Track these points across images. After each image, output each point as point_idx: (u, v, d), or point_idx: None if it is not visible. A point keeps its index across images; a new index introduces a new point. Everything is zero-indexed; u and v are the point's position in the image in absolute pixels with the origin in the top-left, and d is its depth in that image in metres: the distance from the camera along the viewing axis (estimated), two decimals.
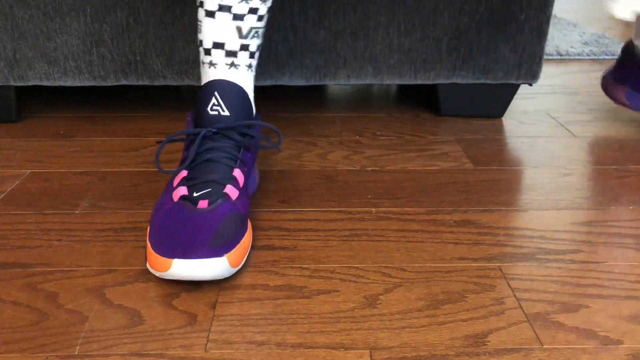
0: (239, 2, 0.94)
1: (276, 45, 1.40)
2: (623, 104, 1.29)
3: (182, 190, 0.89)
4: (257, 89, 1.74)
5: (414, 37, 1.42)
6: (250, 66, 1.00)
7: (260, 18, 0.98)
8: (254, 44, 1.00)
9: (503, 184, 1.17)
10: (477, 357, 0.72)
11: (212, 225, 0.83)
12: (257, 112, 1.15)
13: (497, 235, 0.98)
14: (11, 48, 1.32)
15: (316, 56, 1.42)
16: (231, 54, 0.97)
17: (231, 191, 0.90)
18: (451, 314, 0.80)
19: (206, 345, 0.75)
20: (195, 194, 0.88)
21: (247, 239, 0.89)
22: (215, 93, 0.94)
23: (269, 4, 0.96)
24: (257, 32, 0.99)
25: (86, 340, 0.76)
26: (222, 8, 0.94)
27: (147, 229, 0.98)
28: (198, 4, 0.97)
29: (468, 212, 1.07)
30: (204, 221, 0.84)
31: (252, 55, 1.00)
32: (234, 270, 0.84)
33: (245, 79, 0.99)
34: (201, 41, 0.98)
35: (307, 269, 0.90)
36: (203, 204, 0.87)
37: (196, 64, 1.40)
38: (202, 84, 0.99)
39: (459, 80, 1.45)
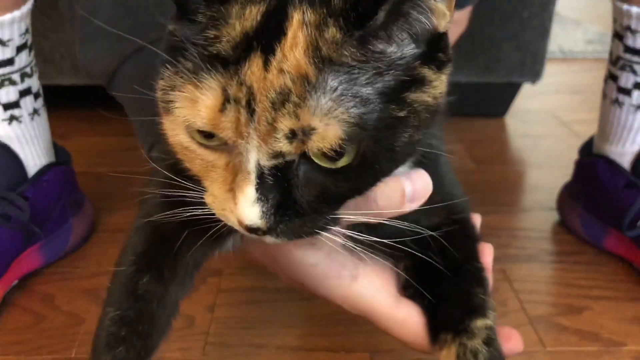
0: None
1: None
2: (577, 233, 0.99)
3: None
4: None
5: None
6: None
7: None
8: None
9: (506, 184, 1.16)
10: None
11: None
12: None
13: (500, 237, 0.97)
14: None
15: None
16: None
17: None
18: None
19: (204, 347, 0.74)
20: None
21: None
22: None
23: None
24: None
25: (83, 342, 0.75)
26: None
27: None
28: None
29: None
30: None
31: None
32: None
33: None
34: None
35: None
36: None
37: None
38: None
39: (461, 79, 1.44)
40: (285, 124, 0.40)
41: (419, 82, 0.43)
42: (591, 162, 0.98)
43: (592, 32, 2.19)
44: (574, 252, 0.94)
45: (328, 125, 0.40)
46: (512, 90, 1.48)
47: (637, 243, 0.87)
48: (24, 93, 0.87)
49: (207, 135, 0.43)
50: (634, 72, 0.90)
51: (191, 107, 0.42)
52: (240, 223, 0.44)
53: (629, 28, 0.88)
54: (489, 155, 1.29)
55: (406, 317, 0.57)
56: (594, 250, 0.94)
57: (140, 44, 0.66)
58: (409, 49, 0.43)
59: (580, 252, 0.94)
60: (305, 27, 0.40)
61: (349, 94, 0.40)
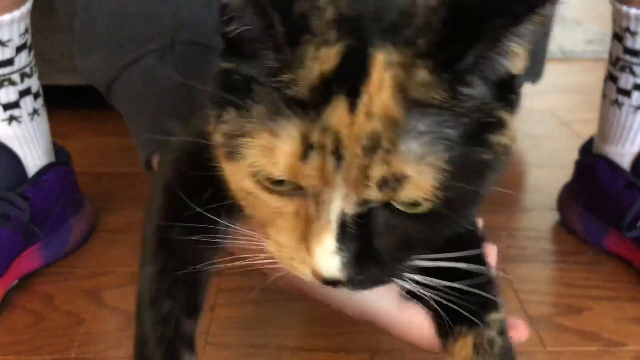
0: None
1: None
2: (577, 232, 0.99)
3: None
4: None
5: None
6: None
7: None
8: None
9: (506, 184, 1.15)
10: None
11: None
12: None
13: (500, 237, 0.97)
14: None
15: None
16: None
17: None
18: None
19: (204, 348, 0.74)
20: None
21: None
22: None
23: None
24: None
25: (83, 343, 0.75)
26: None
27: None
28: None
29: None
30: None
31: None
32: None
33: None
34: None
35: None
36: None
37: None
38: None
39: None
40: (377, 171, 0.38)
41: (499, 125, 0.42)
42: (591, 162, 0.98)
43: (593, 32, 2.18)
44: (574, 252, 0.94)
45: (422, 172, 0.38)
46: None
47: (637, 243, 0.87)
48: (24, 93, 0.87)
49: (277, 181, 0.41)
50: (633, 73, 0.90)
51: (267, 156, 0.39)
52: (316, 275, 0.42)
53: (628, 29, 0.88)
54: None
55: (411, 319, 0.56)
56: (594, 250, 0.94)
57: (137, 55, 0.66)
58: (490, 91, 0.41)
59: (581, 252, 0.94)
60: (391, 68, 0.38)
61: (439, 138, 0.39)
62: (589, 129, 1.04)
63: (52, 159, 0.94)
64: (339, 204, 0.40)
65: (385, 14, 0.40)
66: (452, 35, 0.38)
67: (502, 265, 0.88)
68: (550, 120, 1.46)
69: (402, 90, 0.38)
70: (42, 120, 0.91)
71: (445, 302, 0.51)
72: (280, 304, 0.81)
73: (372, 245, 0.42)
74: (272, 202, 0.42)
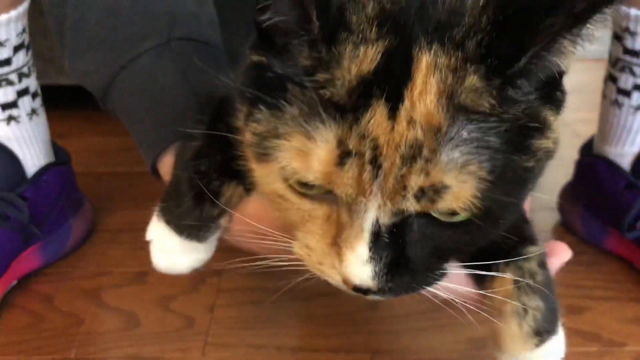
0: None
1: None
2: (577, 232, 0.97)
3: None
4: None
5: None
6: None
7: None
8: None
9: None
10: None
11: None
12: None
13: None
14: None
15: None
16: None
17: None
18: (453, 317, 0.78)
19: (204, 348, 0.74)
20: None
21: None
22: None
23: None
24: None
25: (82, 343, 0.75)
26: None
27: (144, 230, 0.97)
28: None
29: None
30: None
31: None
32: None
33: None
34: None
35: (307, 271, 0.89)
36: None
37: None
38: None
39: None
40: (415, 181, 0.36)
41: (543, 128, 0.41)
42: (591, 162, 0.98)
43: None
44: (574, 253, 0.93)
45: (462, 182, 0.37)
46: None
47: (637, 244, 0.87)
48: (22, 93, 0.87)
49: (309, 185, 0.40)
50: (633, 73, 0.90)
51: (301, 160, 0.38)
52: (347, 282, 0.41)
53: (627, 30, 0.88)
54: None
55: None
56: (595, 251, 0.93)
57: (134, 54, 0.63)
58: (537, 92, 0.40)
59: (581, 252, 0.94)
60: (437, 71, 0.36)
61: (482, 146, 0.37)
62: (589, 129, 1.03)
63: (52, 159, 0.93)
64: (373, 213, 0.39)
65: (431, 11, 0.38)
66: (504, 36, 0.36)
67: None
68: None
69: (448, 96, 0.36)
70: (41, 120, 0.91)
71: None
72: (280, 304, 0.81)
73: (405, 254, 0.40)
74: (303, 205, 0.42)
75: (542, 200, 1.08)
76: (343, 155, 0.37)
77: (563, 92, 0.43)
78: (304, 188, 0.41)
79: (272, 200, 0.44)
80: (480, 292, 0.54)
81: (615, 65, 0.92)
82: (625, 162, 0.92)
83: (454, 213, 0.39)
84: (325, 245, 0.42)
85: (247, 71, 0.43)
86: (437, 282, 0.44)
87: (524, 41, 0.36)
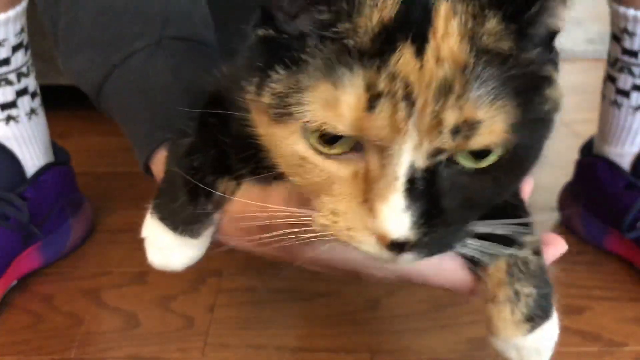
0: None
1: None
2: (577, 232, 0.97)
3: None
4: None
5: None
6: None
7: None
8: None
9: None
10: None
11: None
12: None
13: None
14: None
15: None
16: None
17: None
18: (453, 317, 0.79)
19: (204, 348, 0.74)
20: None
21: None
22: None
23: None
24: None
25: (82, 343, 0.75)
26: None
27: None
28: None
29: None
30: None
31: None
32: None
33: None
34: None
35: (307, 271, 0.88)
36: None
37: None
38: None
39: None
40: (450, 116, 0.37)
41: (550, 81, 0.43)
42: (591, 162, 0.98)
43: (593, 32, 2.18)
44: (574, 253, 0.94)
45: (494, 117, 0.38)
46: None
47: (637, 244, 0.87)
48: (21, 93, 0.87)
49: (331, 141, 0.39)
50: (632, 74, 0.90)
51: (329, 109, 0.38)
52: (383, 238, 0.39)
53: (626, 30, 0.88)
54: None
55: (440, 261, 0.55)
56: (595, 251, 0.93)
57: (127, 52, 0.64)
58: (542, 47, 0.42)
59: (581, 252, 0.94)
60: (456, 16, 0.38)
61: (506, 85, 0.38)
62: (589, 129, 1.03)
63: (51, 159, 0.93)
64: (409, 155, 0.38)
65: None
66: None
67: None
68: None
69: (470, 37, 0.38)
70: (40, 120, 0.91)
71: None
72: (280, 304, 0.81)
73: (438, 205, 0.40)
74: (326, 166, 0.41)
75: (542, 200, 1.08)
76: (373, 99, 0.37)
77: (557, 52, 0.45)
78: (327, 146, 0.40)
79: (290, 167, 0.42)
80: (475, 276, 0.54)
81: (614, 66, 0.92)
82: (625, 162, 0.92)
83: (484, 154, 0.39)
84: (355, 205, 0.40)
85: (254, 47, 0.43)
86: (466, 239, 0.43)
87: None
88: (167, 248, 0.58)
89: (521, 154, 0.41)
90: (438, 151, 0.38)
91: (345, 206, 0.41)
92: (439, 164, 0.39)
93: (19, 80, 0.86)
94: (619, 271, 0.89)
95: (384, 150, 0.38)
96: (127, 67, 0.64)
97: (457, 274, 0.55)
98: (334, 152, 0.40)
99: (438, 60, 0.37)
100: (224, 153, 0.53)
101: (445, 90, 0.37)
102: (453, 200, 0.40)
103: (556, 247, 0.58)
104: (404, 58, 0.37)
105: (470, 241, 0.44)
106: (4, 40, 0.83)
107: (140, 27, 0.65)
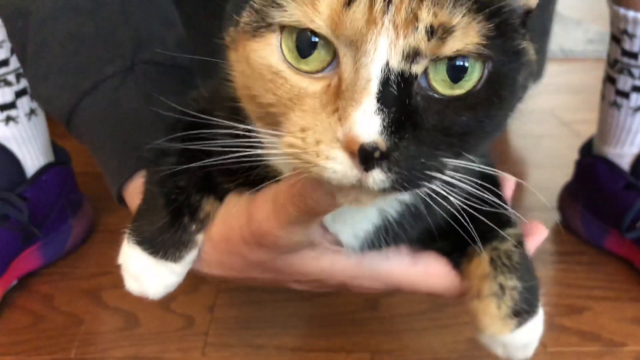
0: None
1: None
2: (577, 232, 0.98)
3: None
4: None
5: None
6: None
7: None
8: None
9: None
10: None
11: None
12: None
13: None
14: None
15: None
16: None
17: None
18: (453, 317, 0.79)
19: (204, 348, 0.74)
20: None
21: None
22: None
23: None
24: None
25: (82, 343, 0.75)
26: None
27: None
28: None
29: None
30: None
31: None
32: None
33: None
34: None
35: None
36: None
37: None
38: None
39: None
40: (426, 15, 0.37)
41: (524, 35, 0.43)
42: (591, 163, 0.98)
43: (593, 32, 2.18)
44: (574, 253, 0.94)
45: (468, 25, 0.38)
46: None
47: (637, 244, 0.87)
48: (20, 93, 0.87)
49: (305, 54, 0.39)
50: (631, 75, 0.90)
51: (307, 5, 0.38)
52: (351, 144, 0.37)
53: (625, 32, 0.88)
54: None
55: (427, 268, 0.55)
56: (595, 251, 0.93)
57: (97, 79, 0.62)
58: (517, 19, 0.43)
59: (581, 252, 0.94)
60: None
61: (481, 5, 0.39)
62: (589, 129, 1.04)
63: (51, 159, 0.93)
64: (384, 53, 0.38)
65: None
66: None
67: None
68: (550, 120, 1.45)
69: None
70: (40, 120, 0.91)
71: (461, 220, 0.49)
72: (280, 304, 0.81)
73: (412, 118, 0.39)
74: (298, 82, 0.40)
75: (542, 201, 1.08)
76: None
77: (528, 31, 0.45)
78: (302, 62, 0.40)
79: (265, 80, 0.41)
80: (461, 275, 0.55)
81: (614, 67, 0.92)
82: (625, 162, 0.92)
83: (456, 78, 0.39)
84: (324, 116, 0.39)
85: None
86: (440, 175, 0.41)
87: None
88: (144, 275, 0.56)
89: (496, 85, 0.41)
90: (414, 52, 0.38)
91: (315, 119, 0.39)
92: (414, 79, 0.39)
93: (18, 81, 0.87)
94: (619, 271, 0.89)
95: (357, 54, 0.38)
96: (97, 94, 0.62)
97: (446, 278, 0.56)
98: (307, 69, 0.40)
99: None
100: (209, 173, 0.52)
101: None
102: (427, 121, 0.39)
103: (538, 235, 0.58)
104: None
105: (442, 175, 0.41)
106: (3, 41, 0.83)
107: (111, 53, 0.63)
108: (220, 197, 0.54)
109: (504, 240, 0.54)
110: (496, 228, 0.52)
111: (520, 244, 0.55)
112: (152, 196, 0.56)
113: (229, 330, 0.76)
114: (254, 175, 0.49)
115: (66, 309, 0.80)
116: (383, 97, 0.38)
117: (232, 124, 0.46)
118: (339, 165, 0.38)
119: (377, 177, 0.38)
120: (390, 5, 0.37)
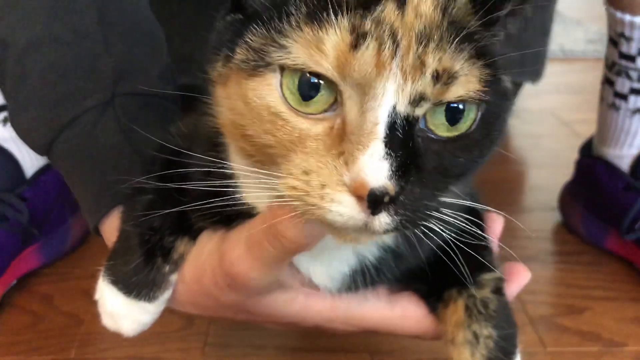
0: None
1: None
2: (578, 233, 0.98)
3: None
4: None
5: None
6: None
7: None
8: None
9: (506, 184, 1.15)
10: None
11: None
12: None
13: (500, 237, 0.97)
14: None
15: None
16: None
17: None
18: None
19: (204, 348, 0.74)
20: None
21: None
22: None
23: None
24: None
25: (82, 343, 0.75)
26: None
27: None
28: None
29: None
30: None
31: None
32: None
33: None
34: None
35: None
36: None
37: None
38: None
39: None
40: (432, 59, 0.38)
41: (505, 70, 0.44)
42: (590, 163, 0.98)
43: (593, 32, 2.18)
44: (574, 253, 0.94)
45: (469, 71, 0.39)
46: (512, 90, 1.47)
47: (637, 244, 0.87)
48: None
49: (308, 96, 0.39)
50: (629, 77, 0.90)
51: (312, 48, 0.38)
52: (360, 188, 0.37)
53: (622, 35, 0.88)
54: None
55: (404, 312, 0.55)
56: (595, 251, 0.93)
57: (76, 112, 0.61)
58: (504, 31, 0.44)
59: (581, 252, 0.94)
60: None
61: (477, 52, 0.40)
62: (589, 129, 1.04)
63: None
64: (392, 97, 0.38)
65: None
66: None
67: (502, 265, 0.88)
68: (550, 120, 1.45)
69: (443, 8, 0.39)
70: None
71: (437, 264, 0.49)
72: None
73: (416, 161, 0.39)
74: (299, 123, 0.39)
75: (542, 200, 1.08)
76: (359, 37, 0.38)
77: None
78: (303, 104, 0.39)
79: (263, 121, 0.40)
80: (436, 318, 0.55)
81: (612, 69, 0.92)
82: (624, 163, 0.92)
83: (453, 120, 0.40)
84: (329, 159, 0.39)
85: (221, 26, 0.44)
86: (436, 213, 0.41)
87: None
88: (118, 313, 0.56)
89: (488, 124, 0.42)
90: (420, 97, 0.38)
91: (319, 162, 0.39)
92: (416, 122, 0.39)
93: None
94: (619, 271, 0.89)
95: (364, 97, 0.38)
96: (75, 128, 0.61)
97: (423, 323, 0.56)
98: (309, 111, 0.40)
99: (418, 15, 0.39)
100: (183, 213, 0.51)
101: (426, 37, 0.38)
102: (428, 163, 0.40)
103: (520, 279, 0.58)
104: (388, 8, 0.38)
105: (437, 213, 0.42)
106: None
107: (90, 85, 0.62)
108: (195, 236, 0.54)
109: (482, 286, 0.53)
110: (469, 276, 0.51)
111: (499, 290, 0.54)
112: (127, 236, 0.56)
113: (229, 330, 0.76)
114: (228, 212, 0.49)
115: (66, 309, 0.80)
116: (390, 141, 0.38)
117: (208, 163, 0.46)
118: (345, 209, 0.39)
119: (384, 220, 0.39)
120: (398, 49, 0.38)
